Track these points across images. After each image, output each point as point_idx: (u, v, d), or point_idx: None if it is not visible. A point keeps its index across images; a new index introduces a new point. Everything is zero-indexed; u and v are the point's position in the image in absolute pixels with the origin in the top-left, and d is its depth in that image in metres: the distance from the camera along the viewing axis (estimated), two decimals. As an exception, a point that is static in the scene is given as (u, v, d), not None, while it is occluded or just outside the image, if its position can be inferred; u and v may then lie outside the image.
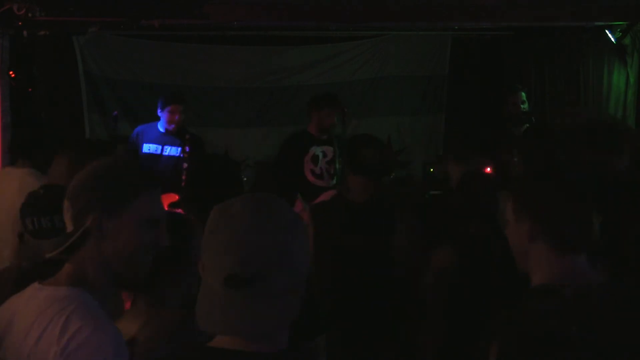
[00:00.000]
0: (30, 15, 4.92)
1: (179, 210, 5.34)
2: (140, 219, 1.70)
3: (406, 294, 3.38)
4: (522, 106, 6.09)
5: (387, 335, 3.32)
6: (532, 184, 1.89)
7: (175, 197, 5.48)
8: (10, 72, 5.80)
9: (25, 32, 5.66)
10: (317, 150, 5.57)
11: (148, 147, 5.59)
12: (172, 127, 5.53)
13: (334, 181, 5.33)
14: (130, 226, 1.69)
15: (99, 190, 1.69)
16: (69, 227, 1.70)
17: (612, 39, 6.26)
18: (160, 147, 5.59)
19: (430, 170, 6.60)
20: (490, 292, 2.91)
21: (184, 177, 5.35)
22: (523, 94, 6.19)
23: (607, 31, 6.25)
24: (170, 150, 5.59)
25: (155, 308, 1.96)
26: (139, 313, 1.99)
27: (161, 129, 5.60)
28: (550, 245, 1.80)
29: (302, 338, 1.51)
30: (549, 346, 1.68)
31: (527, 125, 5.85)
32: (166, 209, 5.84)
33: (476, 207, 3.12)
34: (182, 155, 5.49)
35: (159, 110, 5.58)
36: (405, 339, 3.34)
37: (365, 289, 3.30)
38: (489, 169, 4.11)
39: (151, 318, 1.93)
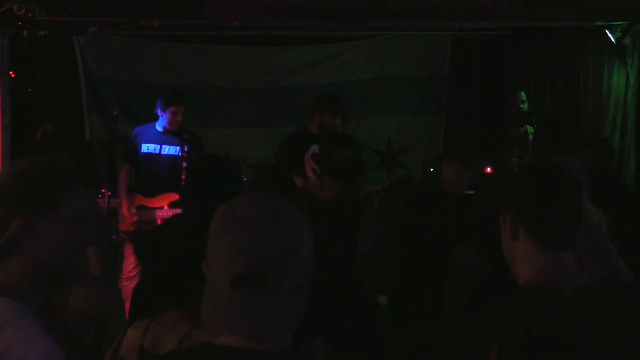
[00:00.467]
0: (30, 15, 4.92)
1: (178, 210, 5.38)
2: (69, 217, 1.66)
3: (369, 291, 3.35)
4: (522, 106, 6.10)
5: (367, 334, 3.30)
6: (512, 183, 1.91)
7: (175, 197, 5.48)
8: (10, 72, 5.81)
9: (25, 32, 5.67)
10: (317, 148, 5.57)
11: (147, 147, 5.58)
12: (173, 127, 5.53)
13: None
14: (59, 226, 1.65)
15: (25, 191, 1.63)
16: None
17: (612, 39, 6.26)
18: (159, 146, 5.59)
19: (430, 170, 6.61)
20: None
21: (183, 177, 5.36)
22: (523, 94, 6.19)
23: (607, 31, 6.25)
24: (169, 150, 5.59)
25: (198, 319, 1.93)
26: (181, 321, 1.96)
27: (159, 129, 5.60)
28: (533, 244, 1.81)
29: (302, 338, 1.51)
30: (549, 346, 1.68)
31: (527, 125, 5.85)
32: (166, 208, 5.86)
33: (497, 207, 3.10)
34: (181, 154, 5.49)
35: (158, 111, 5.57)
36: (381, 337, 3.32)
37: (331, 287, 3.24)
38: (488, 169, 4.11)
39: (193, 330, 1.90)
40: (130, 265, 5.49)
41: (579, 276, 1.82)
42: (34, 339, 1.51)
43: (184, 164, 5.40)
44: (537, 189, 1.83)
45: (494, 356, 1.71)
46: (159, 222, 5.44)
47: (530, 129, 5.86)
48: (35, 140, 4.89)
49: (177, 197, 5.47)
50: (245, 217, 1.40)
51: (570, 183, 1.85)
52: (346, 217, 3.30)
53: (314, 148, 5.59)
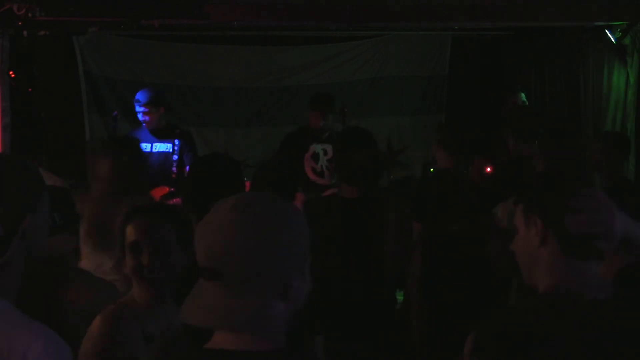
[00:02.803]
0: (30, 15, 4.92)
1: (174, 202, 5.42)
2: (46, 214, 1.67)
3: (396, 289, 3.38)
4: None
5: (383, 332, 3.31)
6: (543, 186, 1.84)
7: (165, 190, 5.54)
8: (10, 72, 5.81)
9: (25, 32, 5.67)
10: (317, 148, 5.57)
11: None
12: (149, 127, 5.56)
13: (335, 179, 5.34)
14: (42, 223, 1.65)
15: (25, 187, 1.62)
16: None
17: (612, 39, 6.26)
18: (150, 145, 5.63)
19: (430, 170, 6.60)
20: (456, 292, 2.95)
21: (174, 170, 5.40)
22: (522, 94, 6.18)
23: (607, 31, 6.24)
24: (160, 147, 5.62)
25: None
26: None
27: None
28: (562, 251, 1.75)
29: (302, 337, 1.51)
30: (523, 346, 1.67)
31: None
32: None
33: (458, 207, 3.15)
34: (171, 150, 5.52)
35: None
36: (402, 336, 3.34)
37: (358, 286, 3.27)
38: (489, 169, 4.12)
39: None
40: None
41: (602, 288, 1.77)
42: (48, 335, 1.49)
43: (175, 158, 5.44)
44: (575, 196, 1.76)
45: (470, 345, 1.71)
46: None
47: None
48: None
49: (167, 189, 5.52)
50: (217, 212, 1.42)
51: (602, 191, 1.81)
52: (371, 214, 3.31)
53: (314, 148, 5.61)
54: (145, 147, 5.62)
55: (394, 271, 3.30)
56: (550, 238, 1.76)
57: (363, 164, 3.28)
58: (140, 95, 5.54)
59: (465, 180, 3.55)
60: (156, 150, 5.62)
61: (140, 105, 5.53)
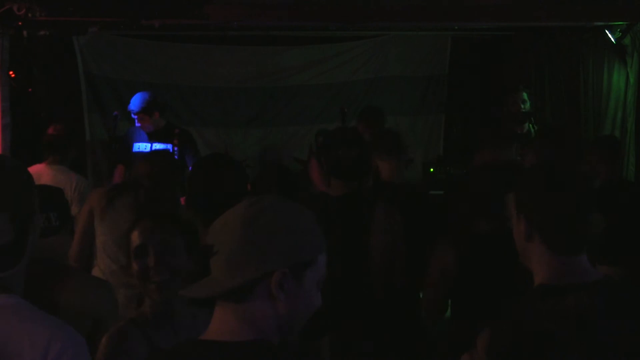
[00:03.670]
0: (30, 15, 4.91)
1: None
2: (39, 213, 1.70)
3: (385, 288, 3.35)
4: (522, 105, 6.08)
5: (386, 330, 3.30)
6: (526, 185, 1.88)
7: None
8: (10, 72, 5.80)
9: (25, 32, 5.66)
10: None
11: (138, 146, 5.67)
12: (145, 130, 5.59)
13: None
14: (38, 222, 1.68)
15: (27, 186, 1.65)
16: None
17: (612, 39, 6.26)
18: (149, 144, 5.66)
19: (430, 170, 6.60)
20: (491, 292, 2.91)
21: None
22: (525, 94, 6.17)
23: (607, 31, 6.25)
24: (159, 147, 5.63)
25: None
26: None
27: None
28: (549, 249, 1.80)
29: (306, 338, 1.52)
30: (535, 347, 1.68)
31: (529, 124, 5.86)
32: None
33: (483, 206, 3.10)
34: (171, 150, 5.54)
35: None
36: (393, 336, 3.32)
37: (344, 284, 3.24)
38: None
39: None
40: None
41: (594, 277, 1.81)
42: (61, 327, 1.53)
43: (175, 157, 5.47)
44: (553, 196, 1.80)
45: (484, 341, 1.72)
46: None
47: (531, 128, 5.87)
48: (47, 137, 4.97)
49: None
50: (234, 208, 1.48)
51: (584, 188, 1.84)
52: (356, 212, 3.30)
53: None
54: (145, 147, 5.63)
55: (384, 265, 3.29)
56: (535, 237, 1.82)
57: (351, 161, 3.30)
58: (131, 105, 5.60)
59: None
60: (156, 150, 5.63)
61: (133, 114, 5.58)
